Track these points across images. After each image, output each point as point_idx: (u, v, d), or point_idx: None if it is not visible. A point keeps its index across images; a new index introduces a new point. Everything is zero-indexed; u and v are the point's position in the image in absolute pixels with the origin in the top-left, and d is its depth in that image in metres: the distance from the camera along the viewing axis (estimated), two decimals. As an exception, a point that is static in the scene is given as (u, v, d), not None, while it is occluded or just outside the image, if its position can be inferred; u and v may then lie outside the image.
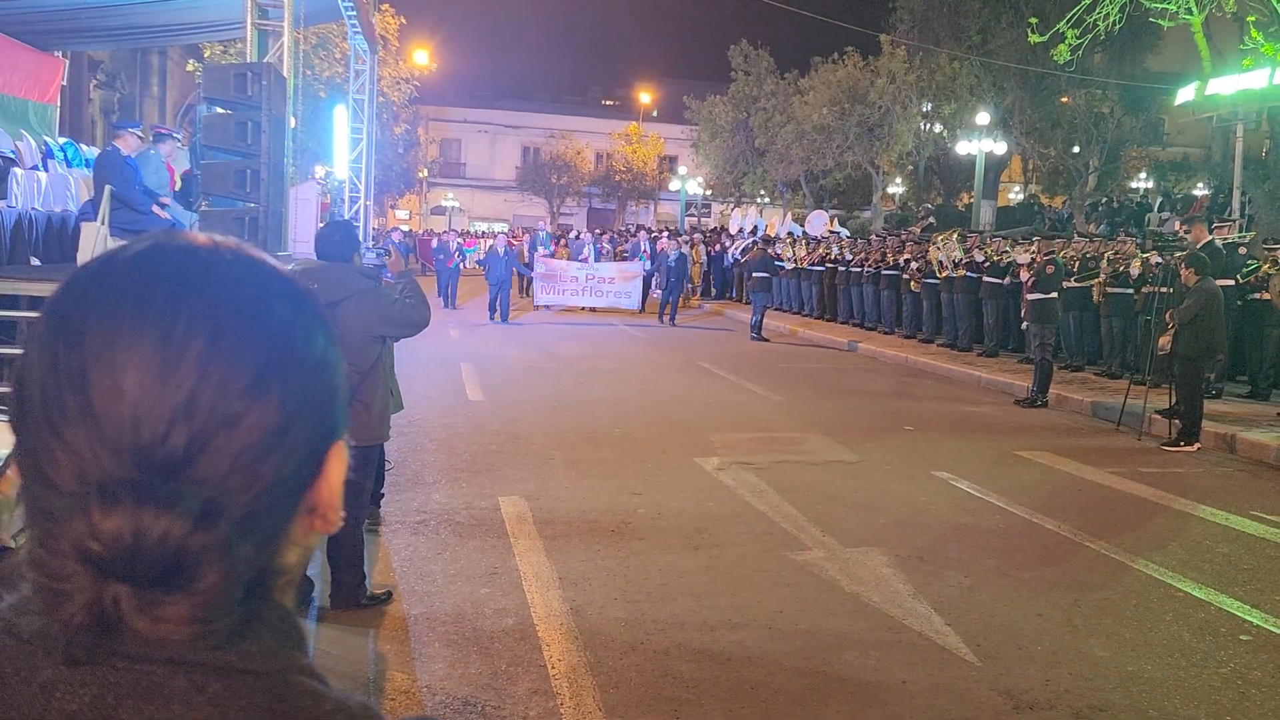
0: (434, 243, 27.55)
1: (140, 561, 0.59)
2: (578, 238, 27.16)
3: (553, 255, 23.65)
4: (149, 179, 9.48)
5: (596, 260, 22.75)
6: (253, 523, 0.63)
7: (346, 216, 17.94)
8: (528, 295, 24.21)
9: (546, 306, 22.09)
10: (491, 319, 19.49)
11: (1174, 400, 9.53)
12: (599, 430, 9.36)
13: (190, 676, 0.61)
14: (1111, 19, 17.76)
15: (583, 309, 21.99)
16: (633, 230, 32.82)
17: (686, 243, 25.98)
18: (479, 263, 21.56)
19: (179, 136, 12.11)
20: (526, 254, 24.36)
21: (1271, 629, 4.95)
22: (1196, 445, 9.29)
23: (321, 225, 5.09)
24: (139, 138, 9.54)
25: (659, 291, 22.34)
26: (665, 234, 27.82)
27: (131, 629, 0.61)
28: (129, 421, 0.60)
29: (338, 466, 0.70)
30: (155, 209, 9.28)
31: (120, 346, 0.61)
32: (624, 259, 24.36)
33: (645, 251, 23.83)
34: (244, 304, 0.65)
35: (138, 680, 0.61)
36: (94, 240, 7.92)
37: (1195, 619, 5.05)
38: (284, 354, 0.65)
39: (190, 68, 26.53)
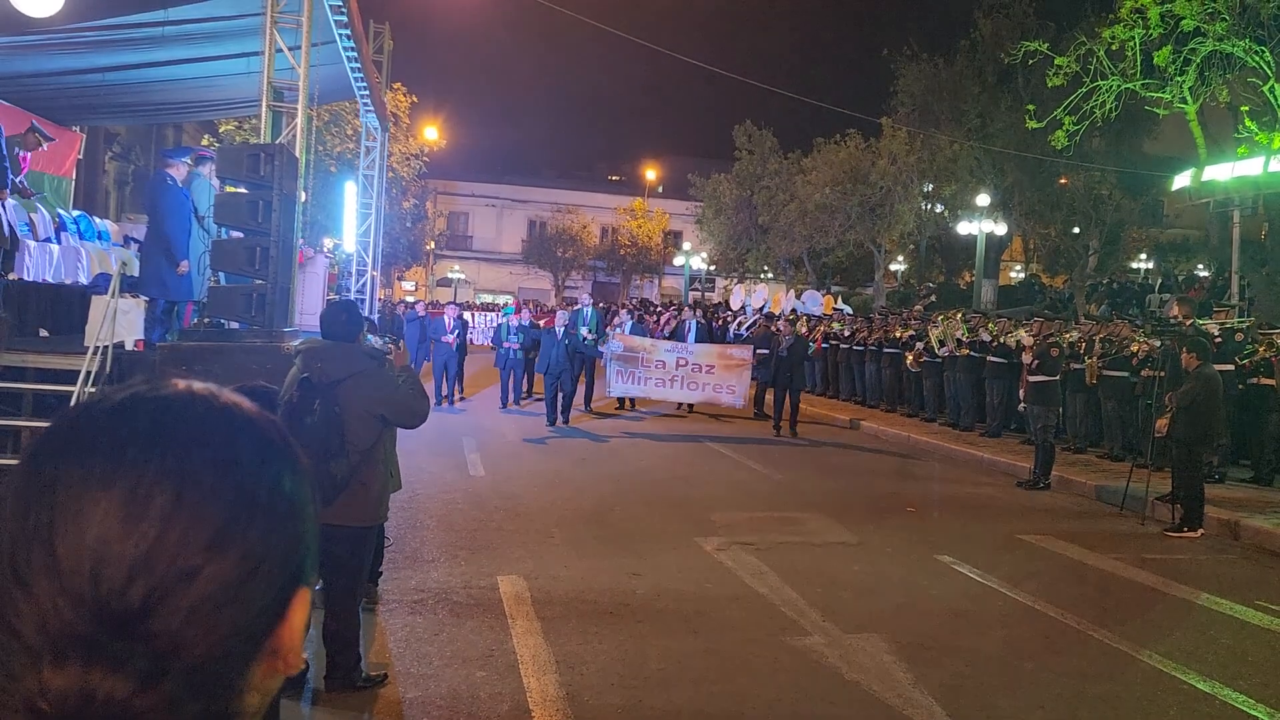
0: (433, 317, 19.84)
1: None
2: (615, 312, 20.92)
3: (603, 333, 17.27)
4: (200, 201, 9.40)
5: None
6: (206, 672, 0.64)
7: (354, 288, 18.10)
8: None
9: (626, 401, 17.62)
10: (551, 423, 15.12)
11: (1175, 485, 9.49)
12: (600, 508, 9.33)
13: None
14: (1108, 107, 18.18)
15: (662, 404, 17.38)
16: (658, 304, 30.10)
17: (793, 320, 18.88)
18: (509, 337, 17.05)
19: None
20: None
21: (1278, 725, 4.88)
22: (1200, 531, 9.22)
23: (327, 304, 5.15)
24: (188, 166, 9.49)
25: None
26: (786, 315, 21.62)
27: None
28: (89, 574, 0.62)
29: (301, 612, 0.71)
30: (181, 266, 9.16)
31: (88, 501, 0.63)
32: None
33: (688, 333, 18.33)
34: (211, 460, 0.67)
35: None
36: (104, 313, 8.01)
37: (1200, 713, 4.98)
38: (248, 508, 0.67)
39: (205, 142, 27.01)
